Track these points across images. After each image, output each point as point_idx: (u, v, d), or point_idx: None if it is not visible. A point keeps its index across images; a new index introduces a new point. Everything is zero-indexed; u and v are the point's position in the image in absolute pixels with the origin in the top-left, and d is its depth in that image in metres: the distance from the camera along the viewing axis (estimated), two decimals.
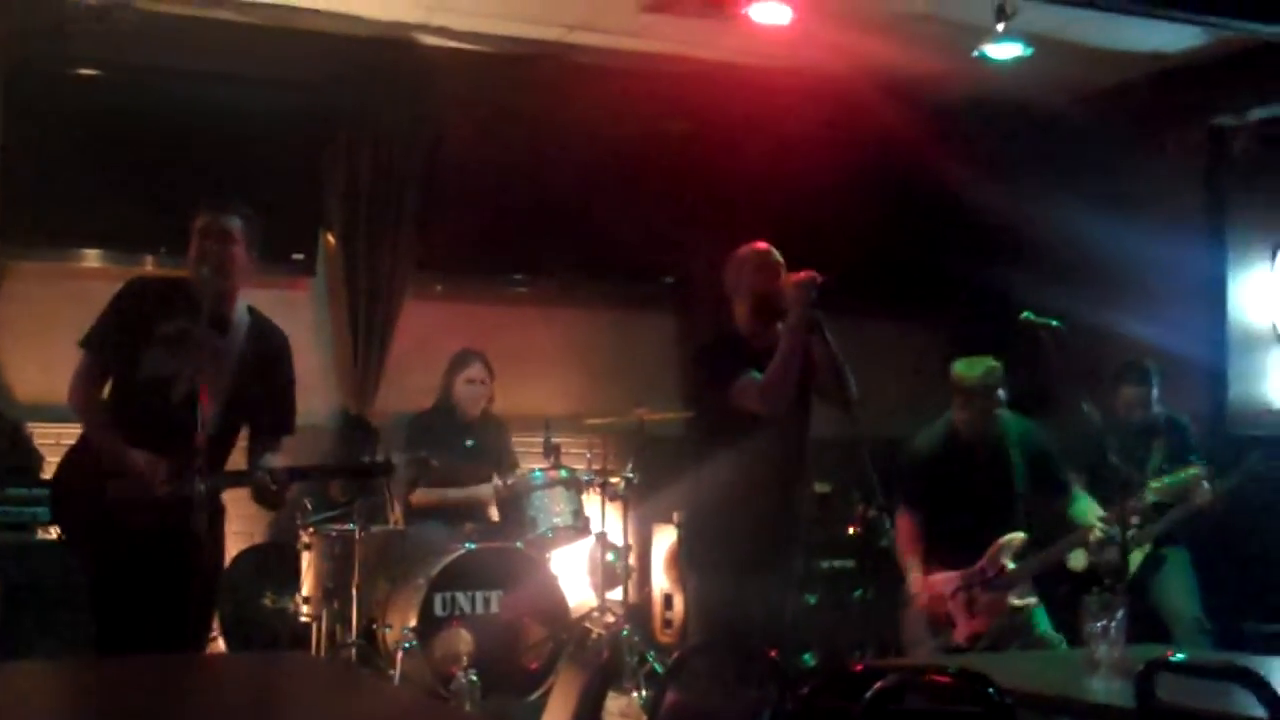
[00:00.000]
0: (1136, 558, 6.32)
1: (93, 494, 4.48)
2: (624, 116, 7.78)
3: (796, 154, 7.83)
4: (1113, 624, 3.47)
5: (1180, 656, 3.16)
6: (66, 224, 6.97)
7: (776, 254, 4.89)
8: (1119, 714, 3.14)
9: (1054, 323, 5.33)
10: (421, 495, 6.78)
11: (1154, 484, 6.04)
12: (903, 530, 5.68)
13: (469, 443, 6.93)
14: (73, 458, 4.69)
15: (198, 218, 4.71)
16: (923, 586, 5.61)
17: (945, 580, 5.57)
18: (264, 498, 4.67)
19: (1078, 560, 6.11)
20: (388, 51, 7.42)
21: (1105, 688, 3.36)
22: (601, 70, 7.74)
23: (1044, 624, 5.63)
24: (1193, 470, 6.10)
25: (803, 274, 4.67)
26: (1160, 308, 7.42)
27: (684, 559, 5.59)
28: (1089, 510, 5.80)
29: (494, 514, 6.93)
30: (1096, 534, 5.68)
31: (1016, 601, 5.51)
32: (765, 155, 7.88)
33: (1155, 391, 6.59)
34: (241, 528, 7.21)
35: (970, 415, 5.75)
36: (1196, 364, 7.44)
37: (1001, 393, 5.72)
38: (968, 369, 5.77)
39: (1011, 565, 5.51)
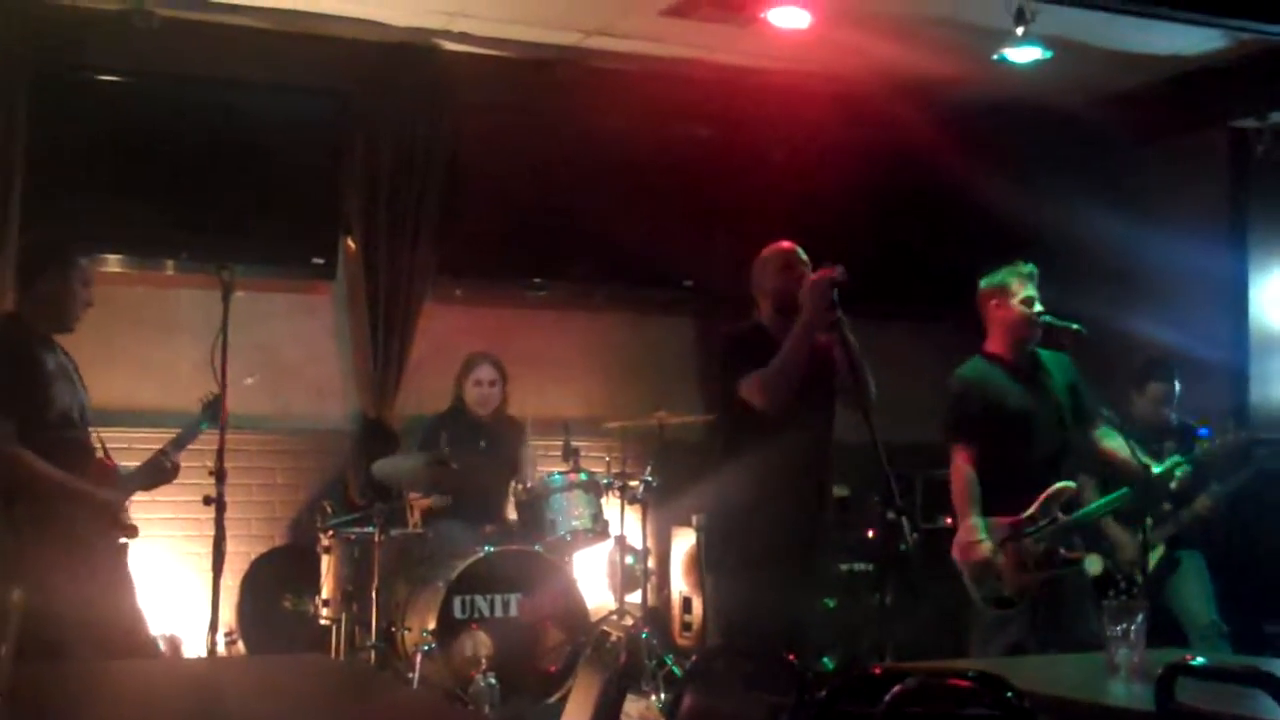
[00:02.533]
0: (1153, 559, 6.29)
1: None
2: (643, 121, 7.80)
3: (815, 158, 7.84)
4: (1133, 628, 3.46)
5: (1200, 660, 3.15)
6: (88, 229, 6.98)
7: (801, 253, 4.90)
8: (1139, 718, 3.13)
9: (1074, 325, 5.29)
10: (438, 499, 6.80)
11: (1168, 464, 5.71)
12: (957, 470, 5.36)
13: (482, 444, 6.95)
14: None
15: (79, 261, 4.89)
16: (967, 534, 5.32)
17: (991, 529, 5.29)
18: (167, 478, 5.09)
19: (1094, 565, 6.04)
20: (408, 57, 7.44)
21: (1125, 691, 3.34)
22: (621, 75, 7.75)
23: (1096, 566, 5.51)
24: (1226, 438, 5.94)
25: (821, 272, 4.67)
26: (1181, 310, 7.40)
27: (705, 561, 5.56)
28: (1122, 446, 5.43)
29: (513, 517, 6.95)
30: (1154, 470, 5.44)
31: (1069, 554, 5.34)
32: (784, 159, 7.89)
33: (1178, 391, 6.56)
34: (261, 531, 7.25)
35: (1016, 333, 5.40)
36: (1218, 366, 7.43)
37: (1041, 309, 5.35)
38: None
39: (1063, 516, 5.28)
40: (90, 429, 4.93)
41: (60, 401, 4.75)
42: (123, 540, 4.91)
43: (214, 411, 5.23)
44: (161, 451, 5.08)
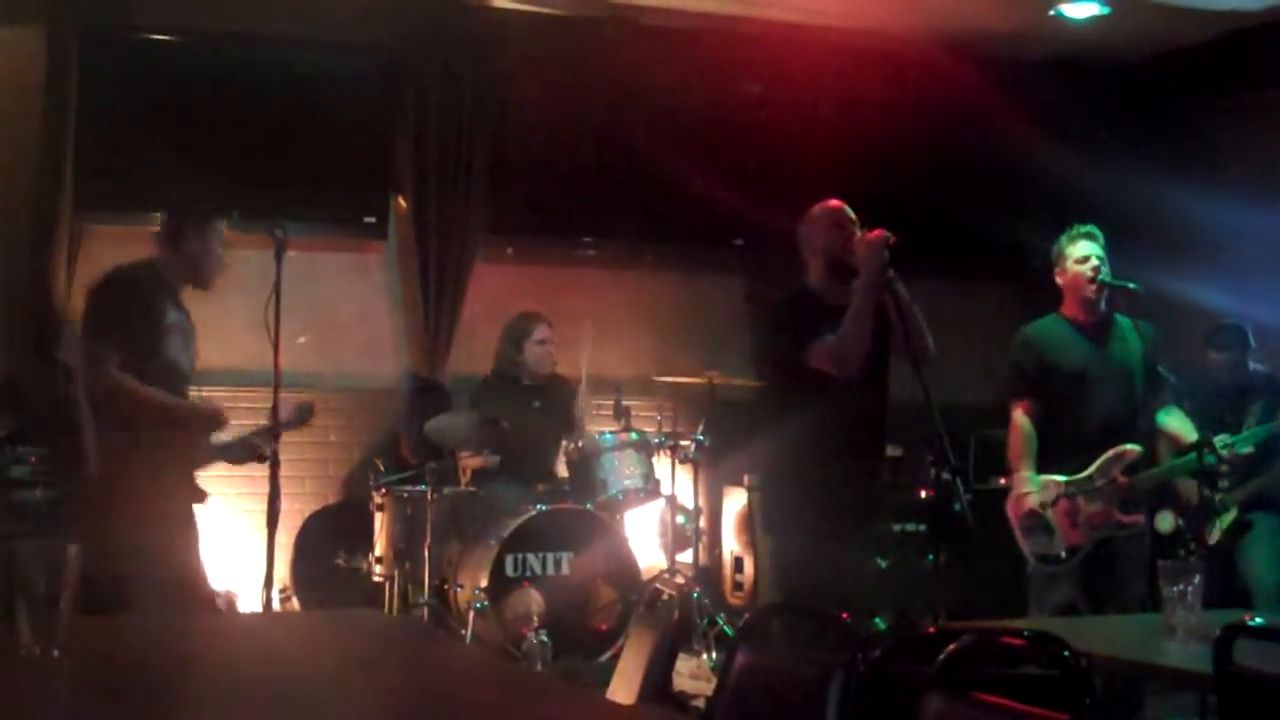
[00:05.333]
0: (1225, 521, 6.22)
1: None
2: (693, 79, 7.75)
3: (867, 115, 7.77)
4: (1190, 589, 3.43)
5: (1259, 621, 3.12)
6: (141, 188, 7.03)
7: (850, 212, 4.85)
8: (1196, 679, 3.11)
9: (1132, 285, 5.24)
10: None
11: (1244, 435, 5.68)
12: (1013, 424, 5.35)
13: (536, 404, 6.96)
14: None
15: (219, 224, 5.14)
16: (1021, 487, 5.29)
17: (1046, 485, 5.26)
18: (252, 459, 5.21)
19: (1165, 523, 5.98)
20: (458, 14, 7.42)
21: (1182, 652, 3.32)
22: (670, 33, 7.70)
23: (1167, 523, 5.48)
24: None
25: (875, 232, 4.63)
26: (1240, 273, 7.29)
27: (761, 522, 5.54)
28: (1183, 425, 5.41)
29: (564, 476, 6.96)
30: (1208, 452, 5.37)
31: (1123, 517, 5.29)
32: (835, 117, 7.82)
33: (1249, 352, 6.47)
34: (314, 489, 7.29)
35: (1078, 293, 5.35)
36: (1272, 330, 7.31)
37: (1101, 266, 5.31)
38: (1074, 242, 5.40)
39: (1123, 479, 5.21)
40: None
41: (169, 354, 4.92)
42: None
43: (305, 416, 5.34)
44: (258, 434, 5.19)
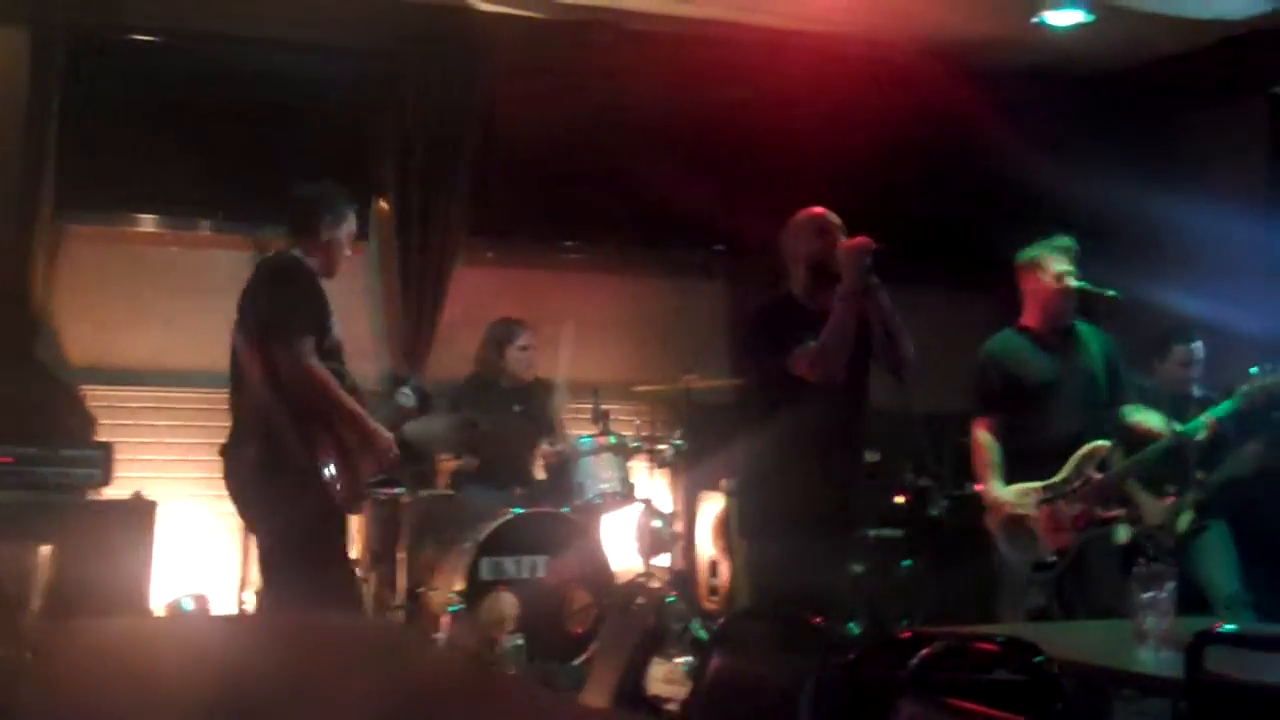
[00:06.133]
0: (1180, 526, 6.24)
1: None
2: (677, 83, 7.75)
3: (850, 122, 7.77)
4: (1162, 595, 3.43)
5: (1231, 628, 3.12)
6: (123, 188, 7.03)
7: (835, 218, 4.85)
8: (1168, 685, 3.11)
9: (1110, 292, 5.25)
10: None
11: (1220, 408, 5.54)
12: (976, 440, 5.41)
13: (516, 408, 6.95)
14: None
15: (351, 214, 5.19)
16: (993, 499, 5.34)
17: (1024, 492, 5.31)
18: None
19: (1122, 533, 6.00)
20: (443, 17, 7.42)
21: (1154, 659, 3.32)
22: (656, 37, 7.70)
23: (1124, 534, 5.49)
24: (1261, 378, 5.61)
25: (858, 239, 4.64)
26: (1219, 279, 7.31)
27: (739, 527, 5.55)
28: (1152, 417, 5.46)
29: (541, 479, 6.95)
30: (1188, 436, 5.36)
31: (1105, 513, 5.31)
32: (819, 123, 7.82)
33: (1200, 355, 6.47)
34: None
35: (1048, 306, 5.39)
36: (1254, 336, 7.32)
37: (1074, 280, 5.34)
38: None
39: (1097, 475, 5.27)
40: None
41: (334, 335, 4.97)
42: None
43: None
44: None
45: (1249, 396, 5.47)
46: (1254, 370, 5.51)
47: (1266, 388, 5.48)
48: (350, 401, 4.91)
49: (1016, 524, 5.26)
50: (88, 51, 6.89)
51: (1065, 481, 5.22)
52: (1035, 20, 6.76)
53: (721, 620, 4.58)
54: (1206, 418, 5.42)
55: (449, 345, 7.47)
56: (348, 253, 5.19)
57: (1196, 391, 6.39)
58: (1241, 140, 7.81)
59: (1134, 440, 5.63)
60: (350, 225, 5.17)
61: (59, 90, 6.75)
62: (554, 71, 7.63)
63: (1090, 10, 6.66)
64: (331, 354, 4.94)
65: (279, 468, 4.77)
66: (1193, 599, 6.04)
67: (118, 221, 7.19)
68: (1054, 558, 5.22)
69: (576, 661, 6.20)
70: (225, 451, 4.97)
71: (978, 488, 5.45)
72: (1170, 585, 3.44)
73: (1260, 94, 7.77)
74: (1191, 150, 7.89)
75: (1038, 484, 5.26)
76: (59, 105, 6.74)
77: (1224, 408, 5.50)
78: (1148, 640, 3.41)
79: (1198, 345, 6.49)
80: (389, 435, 5.05)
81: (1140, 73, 7.98)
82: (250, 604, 6.22)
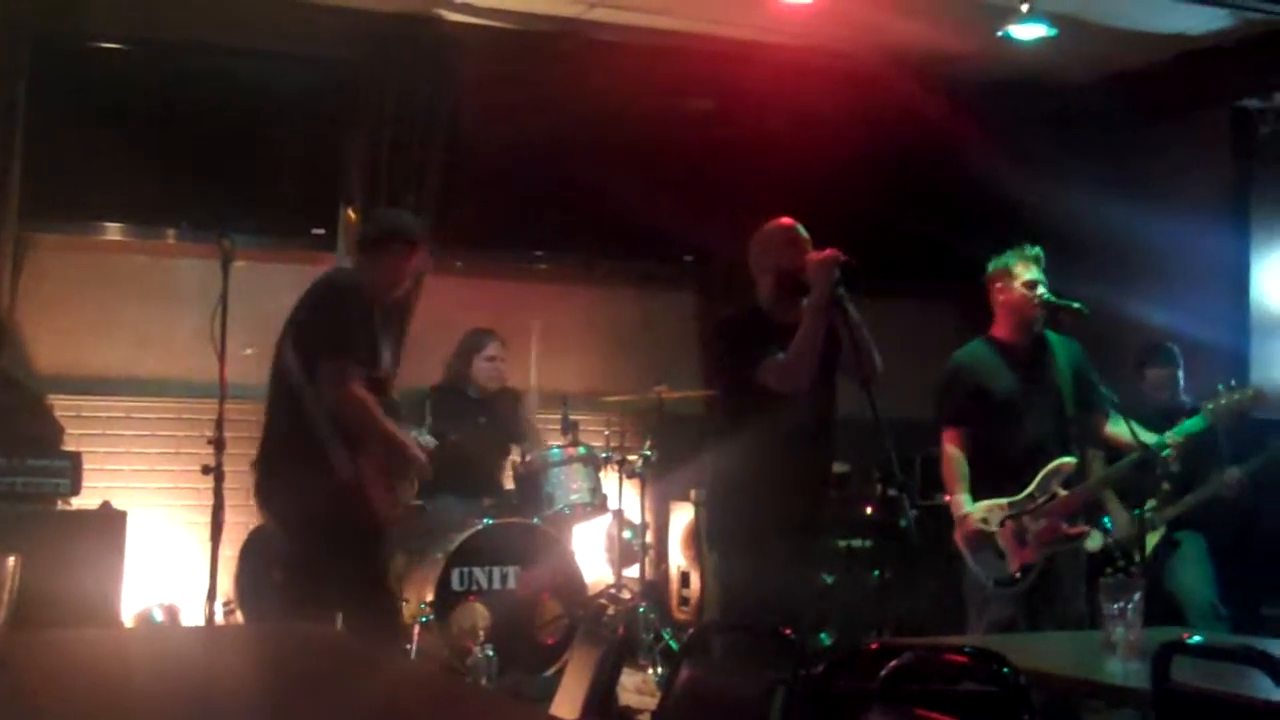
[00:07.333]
0: (1152, 540, 6.28)
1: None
2: (646, 94, 7.76)
3: (818, 133, 7.80)
4: (1129, 605, 3.46)
5: (1197, 639, 3.15)
6: (88, 197, 6.99)
7: (802, 230, 4.86)
8: (1134, 695, 3.14)
9: (1075, 304, 5.28)
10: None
11: (1182, 426, 5.51)
12: (944, 453, 5.40)
13: (482, 419, 6.95)
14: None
15: (420, 244, 5.20)
16: (960, 515, 5.32)
17: (990, 508, 5.31)
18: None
19: (1093, 541, 6.04)
20: (410, 27, 7.40)
21: (1121, 669, 3.35)
22: (624, 48, 7.71)
23: (1095, 541, 5.50)
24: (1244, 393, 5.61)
25: (826, 252, 4.65)
26: (1182, 291, 7.39)
27: (706, 537, 5.55)
28: (1127, 429, 5.37)
29: (511, 489, 6.95)
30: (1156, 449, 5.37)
31: (1070, 530, 5.32)
32: (787, 134, 7.85)
33: (1181, 375, 6.54)
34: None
35: (1018, 315, 5.37)
36: (1218, 348, 7.40)
37: (1044, 290, 5.32)
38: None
39: (1063, 492, 5.27)
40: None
41: (383, 361, 5.00)
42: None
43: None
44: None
45: (1215, 414, 5.50)
46: (1221, 387, 5.55)
47: (1231, 407, 5.52)
48: (390, 426, 4.95)
49: (984, 540, 5.27)
50: (53, 59, 6.85)
51: (1030, 498, 5.24)
52: (1000, 34, 6.80)
53: (692, 631, 4.58)
54: (1171, 437, 5.44)
55: (418, 356, 7.45)
56: (405, 285, 5.22)
57: (1187, 401, 6.39)
58: (1205, 153, 7.89)
59: (1114, 451, 5.66)
60: (419, 261, 5.21)
61: (23, 99, 6.70)
62: (522, 82, 7.64)
63: (1053, 25, 6.71)
64: (380, 385, 4.99)
65: (320, 484, 4.79)
66: (1171, 614, 6.10)
67: (84, 230, 7.14)
68: (1018, 574, 5.24)
69: (547, 672, 6.19)
70: (259, 466, 4.98)
71: (948, 499, 5.47)
72: (1137, 596, 3.47)
73: (1223, 107, 7.85)
74: (1156, 163, 7.96)
75: (1004, 500, 5.27)
76: (24, 114, 6.70)
77: (1191, 424, 5.51)
78: (1115, 650, 3.44)
79: (1169, 367, 6.54)
80: (424, 459, 5.11)
81: (1105, 87, 8.04)
82: (220, 614, 6.19)
